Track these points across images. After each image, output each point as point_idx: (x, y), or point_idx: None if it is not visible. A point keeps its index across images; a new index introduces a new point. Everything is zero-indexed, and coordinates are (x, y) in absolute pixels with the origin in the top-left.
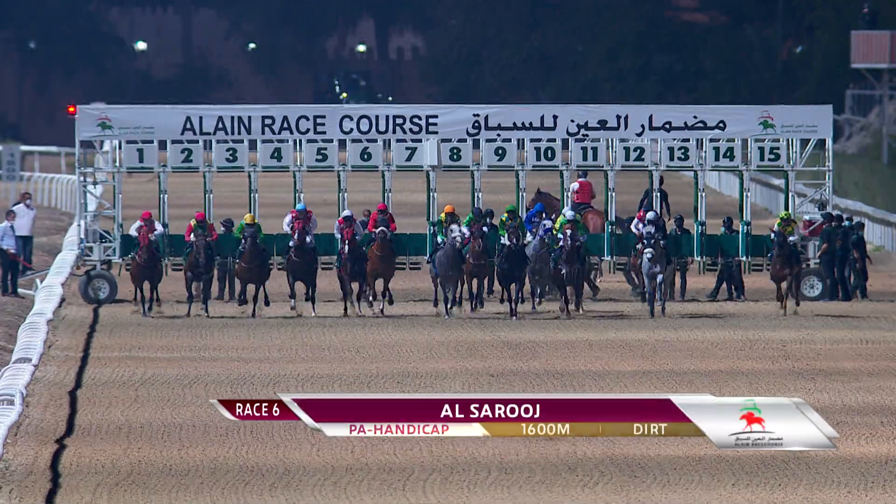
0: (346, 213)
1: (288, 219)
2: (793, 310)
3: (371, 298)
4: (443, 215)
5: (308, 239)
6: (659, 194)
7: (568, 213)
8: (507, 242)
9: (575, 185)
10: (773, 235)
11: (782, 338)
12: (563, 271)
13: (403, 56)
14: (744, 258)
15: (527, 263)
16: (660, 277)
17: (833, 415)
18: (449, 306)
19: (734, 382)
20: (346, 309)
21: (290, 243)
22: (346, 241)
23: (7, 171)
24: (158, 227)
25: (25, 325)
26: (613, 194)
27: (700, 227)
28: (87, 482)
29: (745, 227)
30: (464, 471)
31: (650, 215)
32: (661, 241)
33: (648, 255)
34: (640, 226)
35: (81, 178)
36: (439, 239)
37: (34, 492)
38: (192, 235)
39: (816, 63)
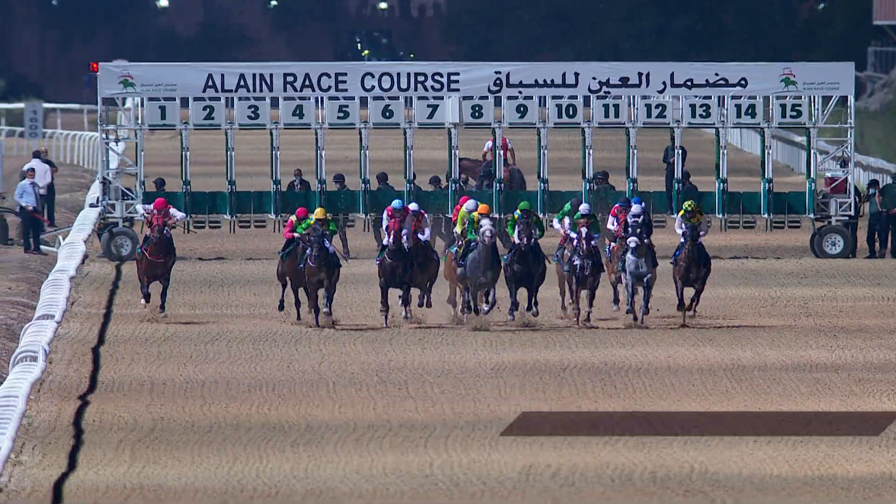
0: (414, 206)
1: (384, 217)
2: (688, 317)
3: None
4: (475, 214)
5: (422, 237)
6: (680, 151)
7: (583, 207)
8: (518, 241)
9: (489, 143)
10: (681, 230)
11: (804, 295)
12: (577, 273)
13: (425, 14)
14: (766, 216)
15: (541, 265)
16: (647, 277)
17: (855, 372)
18: (477, 313)
19: (756, 339)
20: (385, 319)
21: (384, 242)
22: (391, 232)
23: (30, 128)
24: (178, 214)
25: (48, 281)
26: (635, 151)
27: (722, 185)
28: (110, 438)
29: (767, 184)
30: (486, 427)
31: (635, 208)
32: (646, 238)
33: (634, 244)
34: (613, 222)
35: (103, 136)
36: (471, 238)
37: (57, 448)
38: (294, 232)
39: (838, 21)
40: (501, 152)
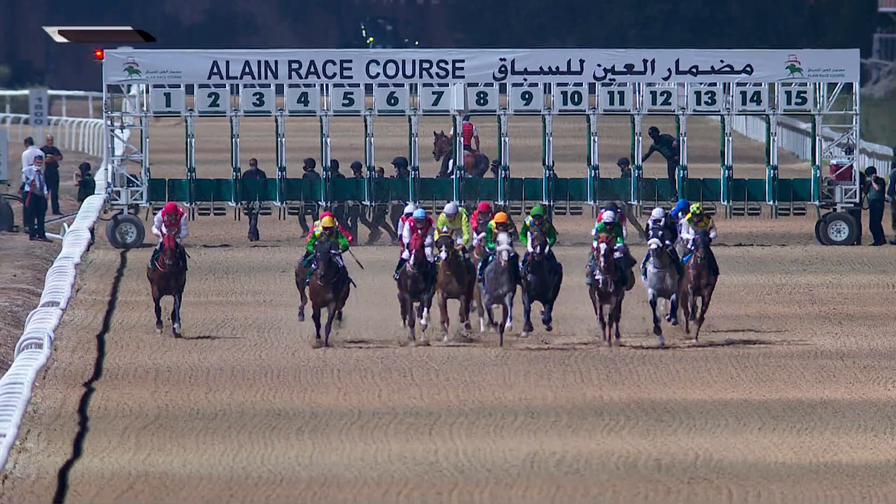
0: (415, 210)
1: (406, 229)
2: (696, 332)
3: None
4: (492, 223)
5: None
6: (666, 141)
7: (606, 214)
8: (532, 250)
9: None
10: (688, 236)
11: (809, 282)
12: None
13: (430, 1)
14: (771, 203)
15: (557, 275)
16: (674, 295)
17: (860, 359)
18: (502, 331)
19: (761, 326)
20: (413, 336)
21: (403, 256)
22: (412, 251)
23: (35, 114)
24: (184, 230)
25: (53, 268)
26: (640, 139)
27: (727, 172)
28: (115, 425)
29: (772, 171)
30: (490, 415)
31: (656, 212)
32: (669, 246)
33: (655, 249)
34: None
35: (108, 123)
36: (488, 248)
37: (62, 435)
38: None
39: (844, 8)
40: (462, 139)
